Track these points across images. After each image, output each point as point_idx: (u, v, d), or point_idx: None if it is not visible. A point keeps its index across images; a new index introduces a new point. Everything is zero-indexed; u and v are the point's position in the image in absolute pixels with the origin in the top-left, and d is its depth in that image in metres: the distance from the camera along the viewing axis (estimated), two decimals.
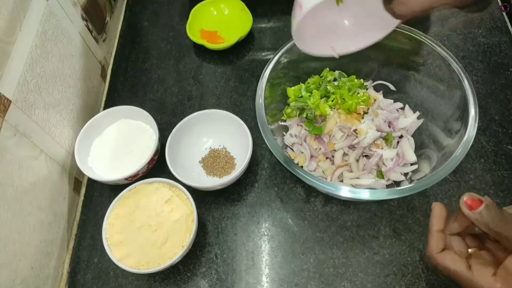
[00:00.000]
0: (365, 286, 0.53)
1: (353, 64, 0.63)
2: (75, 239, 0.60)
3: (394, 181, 0.57)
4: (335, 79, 0.62)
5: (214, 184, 0.57)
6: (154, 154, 0.60)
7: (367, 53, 0.61)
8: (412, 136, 0.59)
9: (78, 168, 0.59)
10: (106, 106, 0.72)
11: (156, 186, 0.57)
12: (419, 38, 0.56)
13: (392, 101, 0.62)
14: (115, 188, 0.60)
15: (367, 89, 0.62)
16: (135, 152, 0.63)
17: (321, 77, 0.62)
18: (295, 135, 0.60)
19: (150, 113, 0.63)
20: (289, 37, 0.57)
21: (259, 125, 0.52)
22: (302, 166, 0.59)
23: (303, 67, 0.62)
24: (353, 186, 0.56)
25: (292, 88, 0.59)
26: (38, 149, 0.55)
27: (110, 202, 0.55)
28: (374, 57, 0.62)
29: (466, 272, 0.36)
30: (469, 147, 0.48)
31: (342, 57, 0.54)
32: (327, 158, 0.58)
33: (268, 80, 0.56)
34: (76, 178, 0.65)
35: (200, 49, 0.77)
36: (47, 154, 0.57)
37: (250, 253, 0.57)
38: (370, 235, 0.56)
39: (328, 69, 0.62)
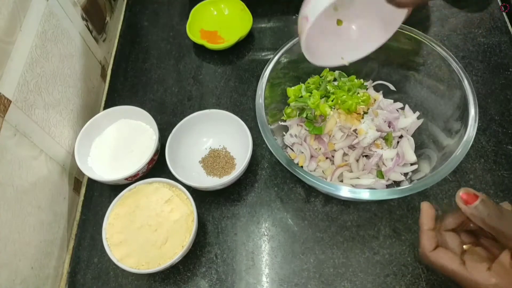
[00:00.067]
0: (365, 286, 0.53)
1: (353, 64, 0.62)
2: (75, 239, 0.60)
3: (394, 181, 0.57)
4: (335, 79, 0.62)
5: (214, 184, 0.57)
6: (154, 154, 0.60)
7: None
8: (412, 136, 0.59)
9: (78, 168, 0.59)
10: (106, 106, 0.72)
11: (156, 186, 0.57)
12: (419, 38, 0.56)
13: (392, 101, 0.62)
14: (115, 188, 0.60)
15: (367, 89, 0.62)
16: (135, 152, 0.63)
17: (321, 77, 0.62)
18: (295, 135, 0.60)
19: (150, 113, 0.63)
20: (289, 37, 0.58)
21: (259, 125, 0.52)
22: (302, 166, 0.59)
23: (303, 67, 0.62)
24: (353, 186, 0.56)
25: (292, 88, 0.59)
26: (38, 149, 0.55)
27: (110, 202, 0.55)
28: (374, 57, 0.61)
29: (460, 268, 0.36)
30: (469, 147, 0.47)
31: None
32: (327, 158, 0.58)
33: (268, 80, 0.56)
34: (76, 178, 0.65)
35: (200, 49, 0.77)
36: (47, 154, 0.57)
37: (250, 253, 0.57)
38: (370, 235, 0.56)
39: (328, 69, 0.62)
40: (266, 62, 0.57)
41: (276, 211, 0.60)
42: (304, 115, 0.58)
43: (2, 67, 0.48)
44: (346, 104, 0.55)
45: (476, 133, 0.48)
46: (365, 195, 0.46)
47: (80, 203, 0.64)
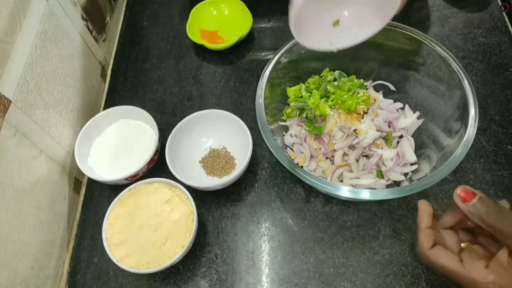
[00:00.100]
0: (365, 286, 0.53)
1: (353, 64, 0.63)
2: (75, 239, 0.60)
3: (394, 181, 0.57)
4: (335, 79, 0.62)
5: (214, 184, 0.57)
6: (154, 154, 0.60)
7: (367, 53, 0.61)
8: (412, 136, 0.59)
9: (78, 168, 0.59)
10: (106, 106, 0.72)
11: (156, 186, 0.57)
12: (419, 38, 0.56)
13: (392, 101, 0.62)
14: (115, 188, 0.60)
15: (367, 89, 0.62)
16: (135, 152, 0.63)
17: (321, 77, 0.62)
18: (295, 135, 0.60)
19: (150, 113, 0.63)
20: (289, 37, 0.58)
21: (259, 125, 0.52)
22: (302, 166, 0.59)
23: (303, 67, 0.62)
24: (353, 186, 0.56)
25: (292, 88, 0.59)
26: (38, 149, 0.55)
27: (110, 202, 0.55)
28: (374, 57, 0.62)
29: (458, 266, 0.36)
30: (469, 147, 0.47)
31: (342, 56, 0.54)
32: (327, 158, 0.58)
33: (268, 80, 0.56)
34: (76, 178, 0.65)
35: (200, 49, 0.77)
36: (47, 154, 0.57)
37: (250, 253, 0.57)
38: (370, 235, 0.56)
39: (328, 69, 0.62)
40: (266, 62, 0.57)
41: (276, 211, 0.60)
42: (304, 115, 0.58)
43: (2, 67, 0.48)
44: (346, 104, 0.55)
45: (476, 133, 0.48)
46: (365, 195, 0.46)
47: (80, 203, 0.64)
